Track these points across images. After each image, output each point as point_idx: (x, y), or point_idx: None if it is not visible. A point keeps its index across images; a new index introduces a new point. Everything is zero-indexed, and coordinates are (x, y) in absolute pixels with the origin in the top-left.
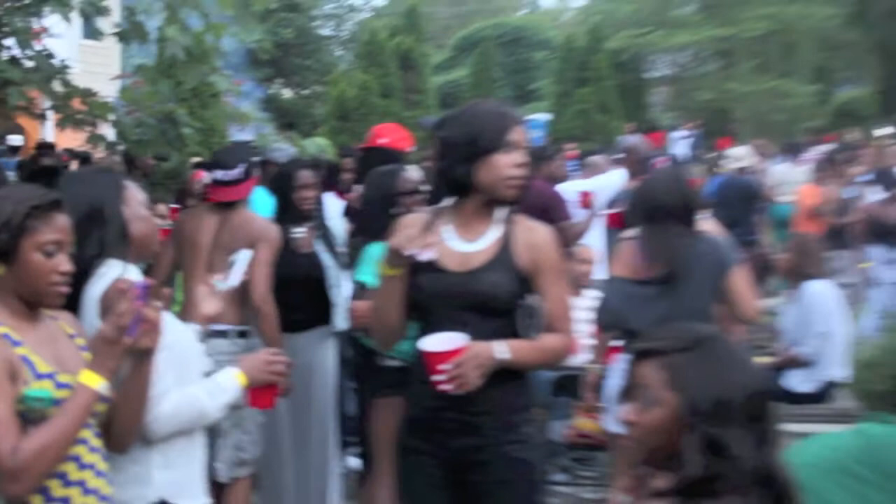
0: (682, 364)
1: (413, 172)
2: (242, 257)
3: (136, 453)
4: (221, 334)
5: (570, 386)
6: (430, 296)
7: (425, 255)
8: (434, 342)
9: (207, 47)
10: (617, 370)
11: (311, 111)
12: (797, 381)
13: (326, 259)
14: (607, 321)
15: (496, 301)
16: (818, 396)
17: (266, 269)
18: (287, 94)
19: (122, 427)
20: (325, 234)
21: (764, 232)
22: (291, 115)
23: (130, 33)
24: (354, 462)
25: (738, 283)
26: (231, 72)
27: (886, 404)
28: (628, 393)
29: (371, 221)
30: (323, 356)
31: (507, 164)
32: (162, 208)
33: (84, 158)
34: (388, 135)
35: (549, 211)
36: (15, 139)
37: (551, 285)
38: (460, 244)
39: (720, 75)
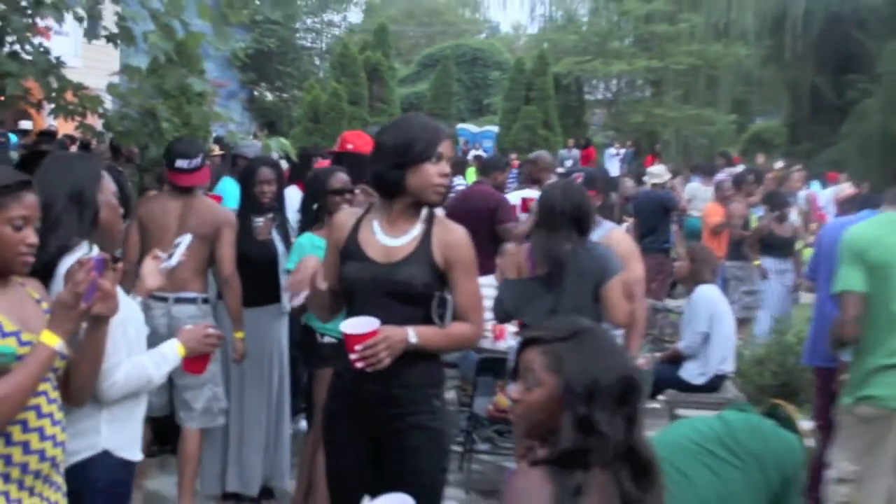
0: (561, 351)
1: (344, 174)
2: (185, 241)
3: (88, 409)
4: (190, 301)
5: (495, 367)
6: (356, 283)
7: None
8: (352, 325)
9: (192, 52)
10: None
11: (289, 113)
12: (692, 374)
13: (280, 246)
14: (501, 316)
15: (413, 290)
16: (709, 387)
17: (231, 248)
18: (269, 96)
19: (79, 383)
20: (281, 224)
21: (678, 241)
22: (272, 116)
23: (119, 37)
24: (304, 424)
25: (613, 291)
26: (219, 75)
27: (770, 395)
28: (515, 375)
29: (304, 215)
30: (275, 329)
31: (435, 173)
32: (152, 193)
33: (84, 145)
34: (353, 141)
35: (496, 213)
36: (25, 124)
37: (463, 280)
38: (386, 239)
39: (650, 102)
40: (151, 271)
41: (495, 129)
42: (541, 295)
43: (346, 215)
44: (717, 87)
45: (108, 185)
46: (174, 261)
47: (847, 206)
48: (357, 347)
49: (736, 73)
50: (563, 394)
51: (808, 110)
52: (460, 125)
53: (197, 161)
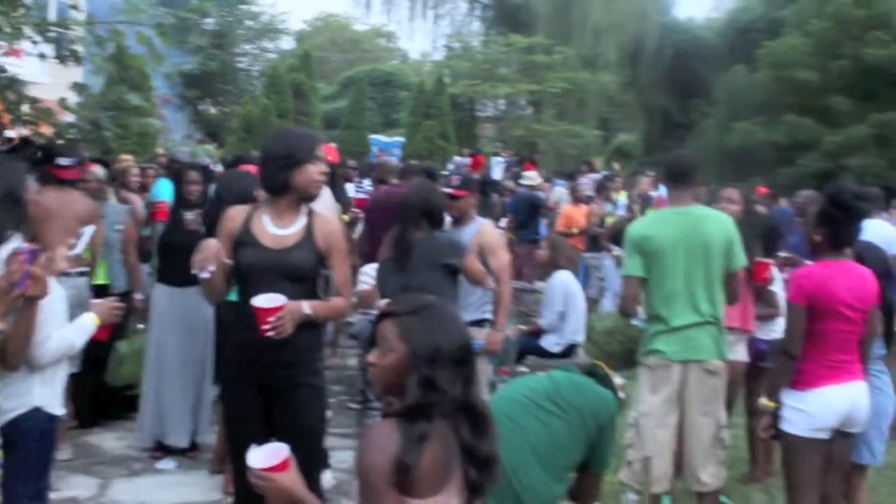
0: (409, 323)
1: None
2: (88, 231)
3: (22, 374)
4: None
5: None
6: (252, 266)
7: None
8: (262, 300)
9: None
10: None
11: (228, 124)
12: (550, 344)
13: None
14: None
15: (302, 272)
16: (565, 354)
17: (136, 234)
18: (212, 110)
19: (13, 351)
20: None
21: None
22: (214, 127)
23: (68, 58)
24: None
25: (470, 263)
26: (168, 91)
27: (618, 361)
28: (372, 342)
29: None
30: (199, 307)
31: (315, 172)
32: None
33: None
34: None
35: None
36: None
37: (339, 262)
38: (276, 229)
39: (531, 118)
40: (62, 256)
41: (402, 139)
42: (393, 273)
43: (236, 210)
44: (585, 108)
45: (32, 184)
46: (80, 248)
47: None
48: (270, 319)
49: (601, 96)
50: (410, 358)
51: (660, 128)
52: (373, 136)
53: (72, 160)
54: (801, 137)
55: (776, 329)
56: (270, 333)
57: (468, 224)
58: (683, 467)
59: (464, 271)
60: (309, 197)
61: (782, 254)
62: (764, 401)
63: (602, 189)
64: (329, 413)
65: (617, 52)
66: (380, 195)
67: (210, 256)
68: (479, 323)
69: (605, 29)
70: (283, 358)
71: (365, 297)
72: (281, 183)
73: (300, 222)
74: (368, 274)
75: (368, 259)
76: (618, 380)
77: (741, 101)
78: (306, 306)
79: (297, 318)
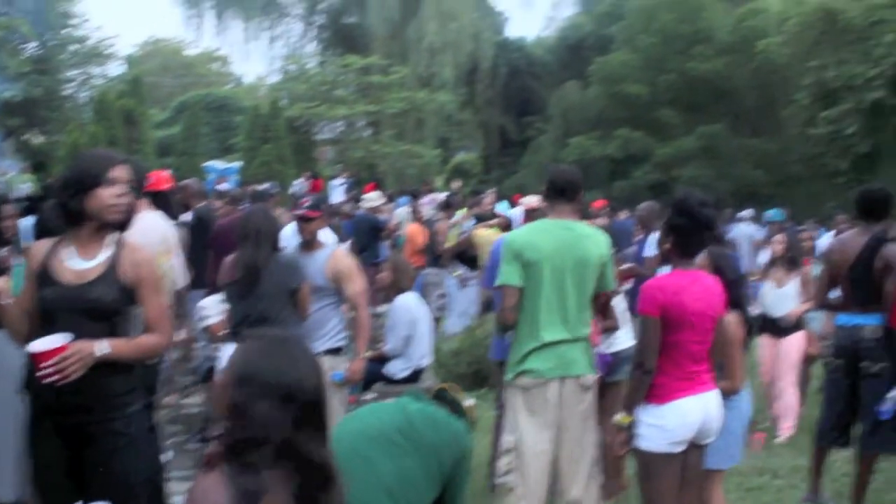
0: (244, 346)
1: None
2: None
3: None
4: None
5: None
6: (51, 304)
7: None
8: (38, 344)
9: None
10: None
11: (56, 154)
12: (396, 370)
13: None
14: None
15: (101, 307)
16: (411, 379)
17: None
18: (37, 139)
19: None
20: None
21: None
22: (41, 157)
23: None
24: None
25: (305, 292)
26: None
27: (466, 382)
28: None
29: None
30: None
31: (108, 196)
32: None
33: None
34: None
35: None
36: None
37: (149, 295)
38: (78, 262)
39: (370, 139)
40: None
41: (238, 164)
42: (240, 297)
43: (39, 245)
44: (424, 127)
45: None
46: None
47: (533, 215)
48: (44, 364)
49: (439, 115)
50: (233, 388)
51: (498, 145)
52: (209, 163)
53: None
54: (634, 150)
55: (616, 342)
56: (51, 379)
57: (319, 249)
58: (560, 486)
59: (297, 297)
60: (111, 224)
61: (623, 266)
62: (620, 417)
63: (447, 207)
64: (169, 455)
65: (453, 72)
66: (225, 222)
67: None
68: (335, 351)
69: (441, 49)
70: (82, 403)
71: (214, 332)
72: (75, 211)
73: (105, 254)
74: (210, 307)
75: (214, 289)
76: (467, 401)
77: (575, 116)
78: (100, 346)
79: (87, 360)
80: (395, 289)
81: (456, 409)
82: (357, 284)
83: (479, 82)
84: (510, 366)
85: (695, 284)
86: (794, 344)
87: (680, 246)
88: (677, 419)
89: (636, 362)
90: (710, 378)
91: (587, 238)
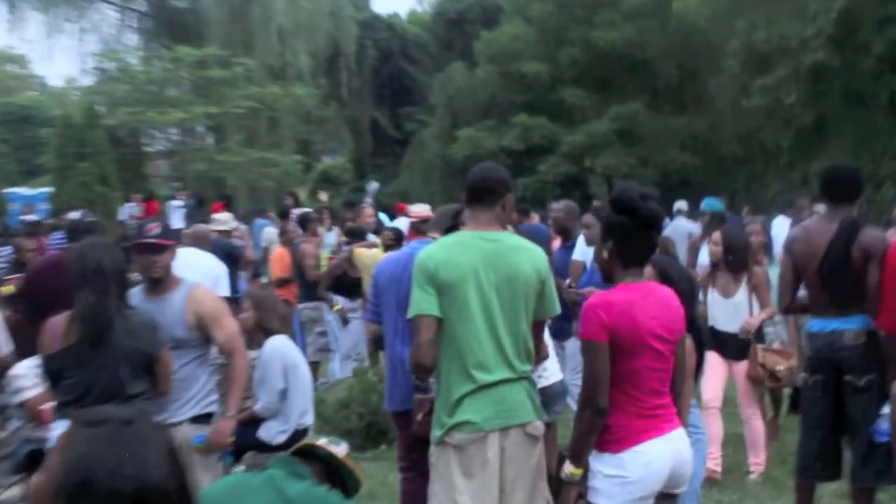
0: (69, 444)
1: None
2: None
3: None
4: None
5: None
6: None
7: None
8: None
9: None
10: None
11: None
12: (272, 433)
13: None
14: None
15: None
16: (291, 443)
17: None
18: None
19: None
20: None
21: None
22: None
23: None
24: None
25: (165, 360)
26: None
27: (359, 438)
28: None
29: None
30: None
31: None
32: None
33: None
34: None
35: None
36: None
37: None
38: None
39: (213, 148)
40: None
41: (48, 189)
42: (77, 365)
43: None
44: (279, 129)
45: None
46: None
47: (421, 228)
48: None
49: (296, 113)
50: (54, 490)
51: (371, 144)
52: (10, 189)
53: None
54: (537, 140)
55: (544, 376)
56: None
57: (174, 289)
58: None
59: (156, 368)
60: None
61: None
62: (569, 469)
63: (307, 225)
64: None
65: (310, 59)
66: (41, 263)
67: None
68: (205, 418)
69: (293, 32)
70: None
71: (33, 407)
72: None
73: None
74: (27, 376)
75: (28, 351)
76: (338, 448)
77: (463, 104)
78: None
79: None
80: (262, 331)
81: (337, 472)
82: (228, 327)
83: (343, 70)
84: (437, 418)
85: (648, 299)
86: None
87: (624, 253)
88: (641, 468)
89: (583, 400)
90: (674, 413)
91: (517, 251)
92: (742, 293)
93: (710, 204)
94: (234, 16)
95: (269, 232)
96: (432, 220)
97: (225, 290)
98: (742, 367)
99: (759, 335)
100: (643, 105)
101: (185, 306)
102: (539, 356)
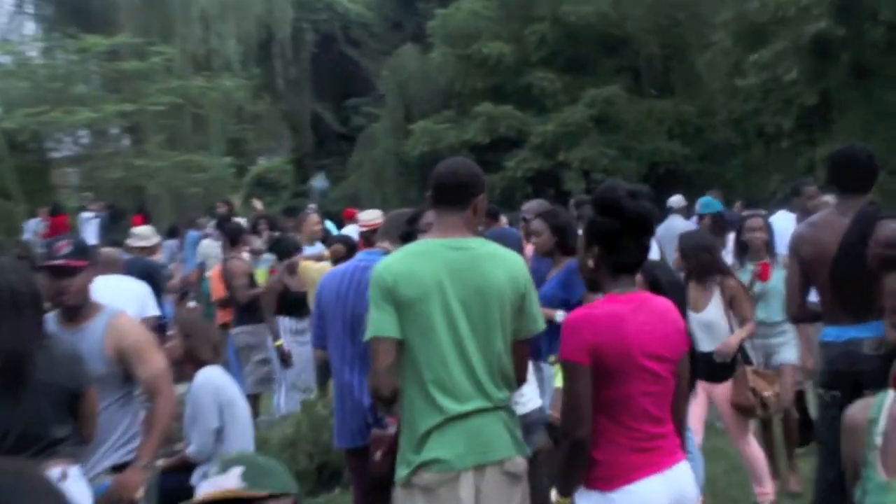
0: None
1: None
2: None
3: None
4: None
5: None
6: None
7: None
8: None
9: None
10: None
11: None
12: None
13: None
14: None
15: None
16: None
17: None
18: None
19: None
20: None
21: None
22: None
23: None
24: None
25: (91, 399)
26: None
27: (310, 482)
28: None
29: None
30: None
31: None
32: None
33: None
34: None
35: None
36: None
37: None
38: None
39: (130, 152)
40: None
41: None
42: None
43: None
44: (205, 128)
45: None
46: None
47: (371, 238)
48: None
49: (225, 109)
50: None
51: (313, 142)
52: None
53: None
54: (503, 131)
55: (521, 401)
56: None
57: (93, 317)
58: None
59: (80, 408)
60: None
61: None
62: (556, 499)
63: (238, 235)
64: None
65: (239, 46)
66: None
67: None
68: (124, 468)
69: (218, 15)
70: None
71: None
72: None
73: None
74: None
75: None
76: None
77: (417, 92)
78: None
79: None
80: (192, 362)
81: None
82: (154, 363)
83: (277, 58)
84: (402, 456)
85: (640, 311)
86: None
87: (611, 259)
88: None
89: (562, 431)
90: (677, 444)
91: (490, 260)
92: (714, 308)
93: (707, 204)
94: None
95: (207, 245)
96: (381, 229)
97: (154, 310)
98: (722, 390)
99: (745, 355)
100: (623, 88)
101: (104, 337)
102: (518, 379)
